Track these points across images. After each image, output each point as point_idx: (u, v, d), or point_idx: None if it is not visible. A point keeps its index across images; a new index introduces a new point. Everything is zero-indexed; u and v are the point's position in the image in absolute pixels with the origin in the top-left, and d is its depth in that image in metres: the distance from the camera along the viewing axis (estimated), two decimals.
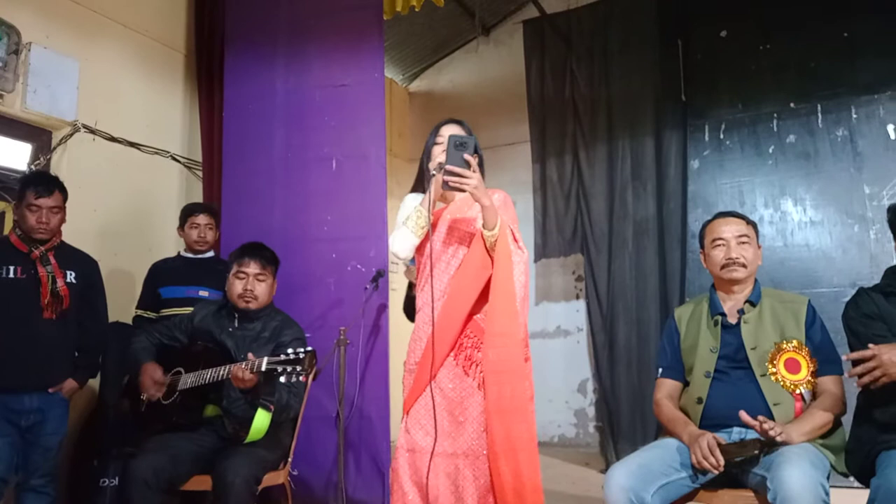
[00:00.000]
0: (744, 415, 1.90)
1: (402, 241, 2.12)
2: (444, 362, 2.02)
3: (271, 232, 3.51)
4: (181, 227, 3.42)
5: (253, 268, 2.68)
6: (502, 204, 2.10)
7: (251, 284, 2.66)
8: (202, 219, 3.39)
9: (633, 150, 4.51)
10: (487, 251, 2.00)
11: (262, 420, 2.47)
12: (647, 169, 4.44)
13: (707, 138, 4.25)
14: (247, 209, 3.68)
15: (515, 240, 2.02)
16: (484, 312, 2.02)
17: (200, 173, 4.22)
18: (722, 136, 4.20)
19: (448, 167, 1.91)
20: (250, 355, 2.36)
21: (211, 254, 3.48)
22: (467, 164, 1.91)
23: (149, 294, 3.30)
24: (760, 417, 1.88)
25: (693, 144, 4.27)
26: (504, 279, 1.96)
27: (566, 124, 4.79)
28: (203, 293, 3.30)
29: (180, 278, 3.31)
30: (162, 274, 3.34)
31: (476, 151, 2.17)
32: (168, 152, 4.11)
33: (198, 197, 4.18)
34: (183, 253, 3.46)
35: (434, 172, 2.05)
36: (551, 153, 4.86)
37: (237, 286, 2.66)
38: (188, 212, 3.43)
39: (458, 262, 2.07)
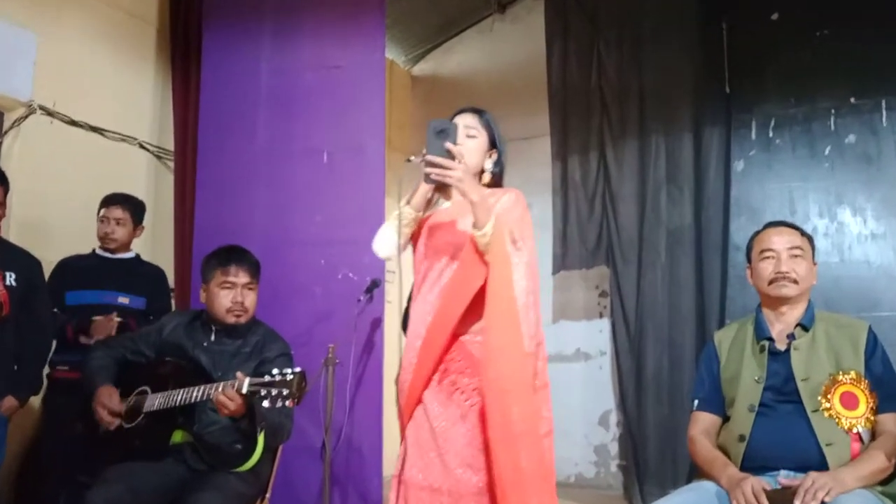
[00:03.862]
0: (783, 480, 1.90)
1: (382, 236, 2.17)
2: (429, 383, 2.05)
3: (251, 233, 3.52)
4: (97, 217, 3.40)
5: (242, 277, 2.68)
6: (512, 204, 2.10)
7: (241, 296, 2.66)
8: (115, 212, 3.34)
9: (669, 147, 4.49)
10: (480, 256, 1.99)
11: (260, 445, 2.48)
12: (683, 170, 4.42)
13: (754, 136, 4.25)
14: (224, 206, 3.71)
15: (514, 240, 2.02)
16: (474, 332, 2.03)
17: (172, 164, 4.24)
18: (771, 134, 4.20)
19: (428, 157, 1.93)
20: (239, 374, 2.34)
21: (132, 253, 3.46)
22: (450, 154, 1.93)
23: (53, 299, 3.15)
24: (809, 478, 1.86)
25: (737, 143, 4.27)
26: (502, 285, 1.96)
27: (592, 116, 4.77)
28: (122, 300, 3.27)
29: (92, 281, 3.25)
30: (70, 274, 3.26)
31: (495, 146, 2.22)
32: (136, 139, 4.13)
33: (168, 191, 4.20)
34: (99, 251, 3.40)
35: (411, 159, 2.06)
36: (574, 149, 4.84)
37: (223, 298, 2.65)
38: (102, 202, 3.39)
39: (452, 273, 2.09)
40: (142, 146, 4.17)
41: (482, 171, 2.20)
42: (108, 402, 2.56)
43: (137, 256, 3.50)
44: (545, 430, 1.99)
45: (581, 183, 4.79)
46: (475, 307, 2.00)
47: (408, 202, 2.15)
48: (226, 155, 3.74)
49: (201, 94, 3.88)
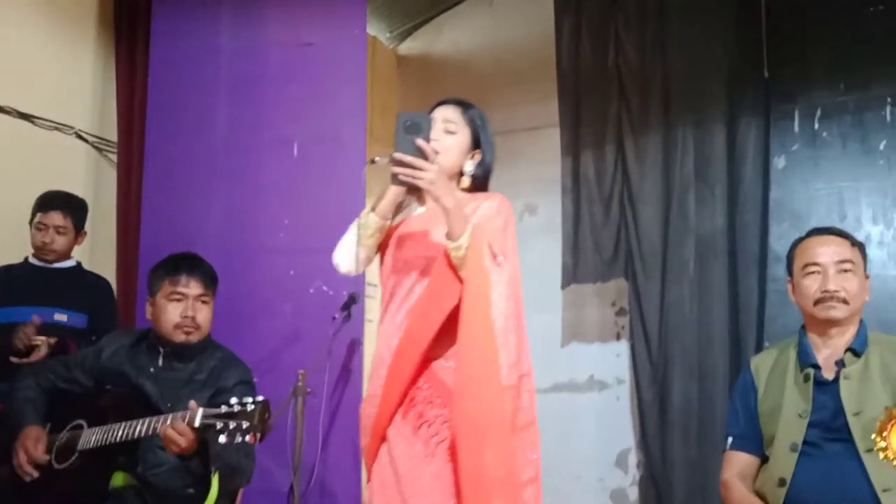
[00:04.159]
0: None
1: (343, 248, 2.21)
2: (393, 419, 2.06)
3: (207, 239, 3.53)
4: (31, 222, 3.38)
5: (194, 287, 2.70)
6: (494, 212, 2.12)
7: (193, 309, 2.68)
8: (55, 218, 3.34)
9: (698, 141, 4.44)
10: (454, 272, 2.01)
11: (214, 489, 2.46)
12: (715, 167, 4.38)
13: (797, 129, 4.22)
14: (175, 207, 3.71)
15: (493, 254, 2.03)
16: (448, 357, 2.05)
17: (115, 157, 4.23)
18: (817, 126, 4.17)
19: (396, 156, 1.94)
20: (192, 403, 2.35)
21: (73, 262, 3.46)
22: (421, 153, 1.94)
23: None
24: None
25: (778, 136, 4.23)
26: (477, 306, 1.97)
27: (608, 105, 4.73)
28: (59, 317, 3.28)
29: (25, 295, 3.26)
30: None
31: (479, 146, 2.23)
32: (72, 128, 4.12)
33: (110, 188, 4.19)
34: (32, 259, 3.41)
35: (376, 160, 2.10)
36: (587, 142, 4.80)
37: (171, 312, 2.67)
38: (38, 205, 3.38)
39: (423, 291, 2.11)
40: (79, 136, 4.16)
41: (461, 174, 2.23)
42: (33, 449, 2.55)
43: (79, 265, 3.50)
44: (528, 477, 1.98)
45: (595, 181, 4.74)
46: (449, 329, 2.01)
47: (373, 208, 2.17)
48: (178, 147, 3.75)
49: (149, 76, 3.89)
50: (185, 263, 2.75)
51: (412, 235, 2.17)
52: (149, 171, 3.80)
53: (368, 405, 2.14)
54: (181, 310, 2.66)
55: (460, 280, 1.99)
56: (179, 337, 2.66)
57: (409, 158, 1.93)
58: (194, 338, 2.68)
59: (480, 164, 2.24)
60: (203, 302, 2.71)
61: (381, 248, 2.22)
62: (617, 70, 4.73)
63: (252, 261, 3.55)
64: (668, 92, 4.58)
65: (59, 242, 3.35)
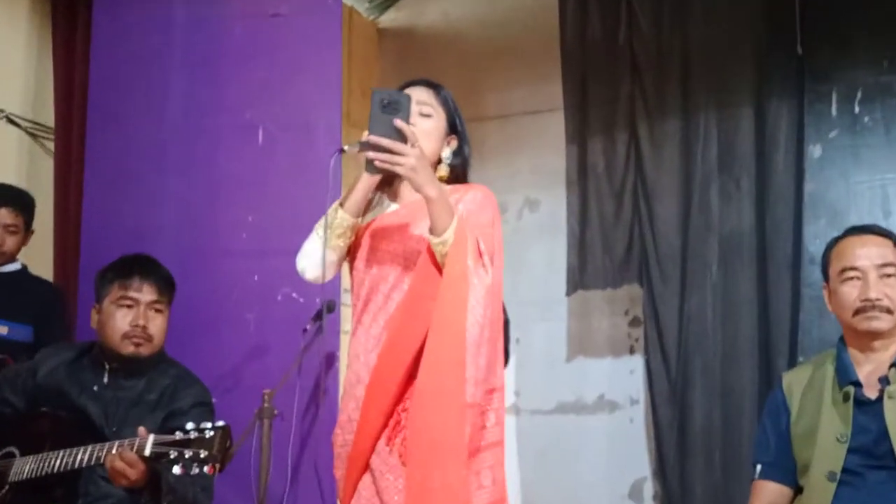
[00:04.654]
0: None
1: (308, 252, 2.22)
2: (376, 446, 2.05)
3: (159, 238, 3.53)
4: None
5: (148, 293, 2.71)
6: (479, 205, 2.15)
7: (144, 318, 2.69)
8: (5, 216, 3.38)
9: (722, 127, 4.39)
10: (439, 271, 2.03)
11: None
12: (742, 156, 4.34)
13: (835, 113, 4.20)
14: (121, 202, 3.70)
15: (479, 252, 2.04)
16: None
17: (52, 145, 4.24)
18: (857, 110, 4.15)
19: (371, 139, 1.94)
20: (142, 429, 2.35)
21: (17, 265, 3.49)
22: (400, 135, 1.94)
23: None
24: None
25: (814, 121, 4.19)
26: (451, 310, 1.99)
27: (619, 85, 4.67)
28: (0, 329, 3.32)
29: None
30: None
31: (455, 131, 2.26)
32: (2, 112, 4.13)
33: (46, 180, 4.20)
34: None
35: (346, 148, 2.10)
36: (596, 129, 4.75)
37: (120, 320, 2.68)
38: None
39: (403, 296, 2.12)
40: (10, 120, 4.18)
41: (438, 162, 2.24)
42: None
43: (24, 269, 3.51)
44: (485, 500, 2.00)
45: (605, 173, 4.70)
46: None
47: (341, 204, 2.18)
48: (124, 134, 3.74)
49: (91, 52, 3.88)
50: (139, 266, 2.76)
51: (387, 233, 2.17)
52: (90, 160, 3.79)
53: (343, 431, 2.14)
54: (131, 317, 2.67)
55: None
56: (128, 349, 2.66)
57: (386, 142, 1.92)
58: (145, 350, 2.69)
59: (458, 153, 2.28)
60: (157, 310, 2.72)
61: (351, 251, 2.23)
62: (629, 45, 4.67)
63: (210, 265, 3.55)
64: (688, 70, 4.53)
65: (10, 243, 3.40)
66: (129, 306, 2.68)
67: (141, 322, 2.67)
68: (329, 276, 2.23)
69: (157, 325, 2.71)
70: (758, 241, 4.30)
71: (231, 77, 3.67)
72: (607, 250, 4.66)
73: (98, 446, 2.40)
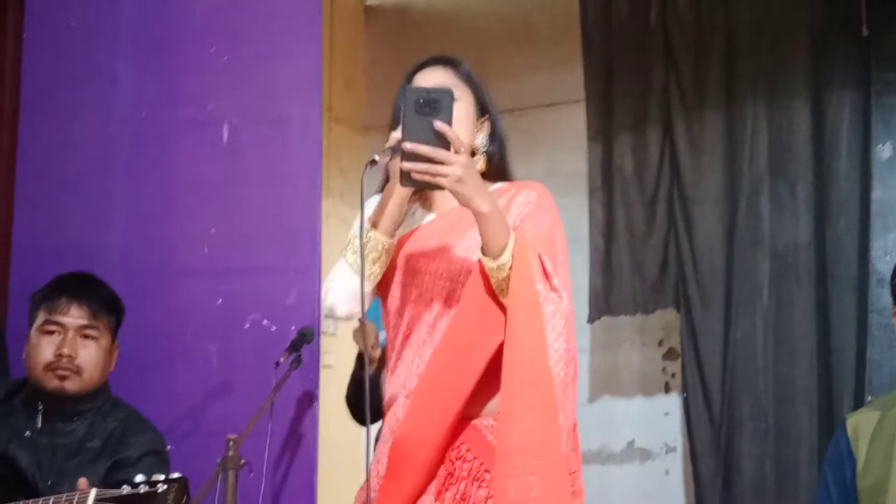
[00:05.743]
0: None
1: (338, 284, 2.15)
2: (421, 498, 2.03)
3: (105, 255, 3.44)
4: None
5: (74, 315, 2.70)
6: (536, 209, 2.13)
7: (70, 346, 2.67)
8: None
9: (773, 122, 4.39)
10: (494, 298, 2.00)
11: None
12: (797, 158, 4.32)
13: None
14: (59, 212, 3.60)
15: (546, 274, 2.00)
16: (492, 415, 2.04)
17: None
18: None
19: (407, 146, 1.87)
20: (82, 482, 2.34)
21: None
22: (442, 140, 1.86)
23: None
24: None
25: (882, 117, 4.11)
26: (531, 352, 1.96)
27: (651, 73, 4.65)
28: None
29: None
30: None
31: (486, 111, 2.24)
32: None
33: None
34: None
35: (377, 159, 2.01)
36: (623, 125, 4.73)
37: (44, 349, 2.68)
38: None
39: (449, 324, 2.11)
40: None
41: (472, 154, 2.14)
42: None
43: None
44: None
45: (635, 177, 4.69)
46: (492, 374, 1.99)
47: (373, 224, 2.09)
48: (62, 130, 3.63)
49: (25, 32, 3.77)
50: (71, 285, 2.76)
51: (426, 250, 2.15)
52: (22, 162, 3.69)
53: (378, 471, 2.12)
54: (56, 346, 2.67)
55: (503, 309, 1.97)
56: (52, 382, 2.66)
57: (426, 149, 1.86)
58: (71, 386, 2.67)
59: (494, 136, 2.23)
60: (88, 337, 2.71)
61: (385, 275, 2.18)
62: (662, 27, 4.67)
63: (165, 286, 3.44)
64: (732, 57, 4.52)
65: None
66: (52, 332, 2.70)
67: (66, 351, 2.67)
68: (365, 309, 2.14)
69: (89, 354, 2.71)
70: (816, 258, 4.31)
71: (190, 63, 3.53)
72: (637, 269, 4.68)
73: (31, 502, 2.43)
